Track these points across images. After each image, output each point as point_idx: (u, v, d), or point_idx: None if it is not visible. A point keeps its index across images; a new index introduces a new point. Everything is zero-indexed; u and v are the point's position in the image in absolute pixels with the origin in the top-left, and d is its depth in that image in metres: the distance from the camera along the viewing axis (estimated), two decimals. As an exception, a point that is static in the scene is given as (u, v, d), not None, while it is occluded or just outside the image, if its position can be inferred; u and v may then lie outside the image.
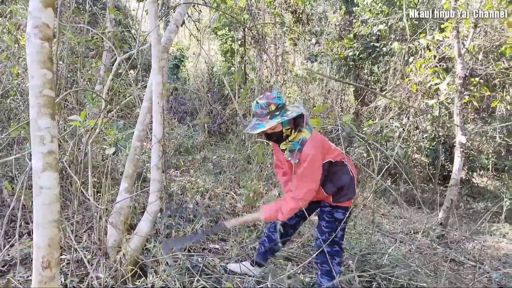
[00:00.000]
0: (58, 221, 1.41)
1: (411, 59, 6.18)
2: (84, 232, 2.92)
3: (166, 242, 2.63)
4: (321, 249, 2.41)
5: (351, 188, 2.42)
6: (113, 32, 3.50)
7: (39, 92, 1.38)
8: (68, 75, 4.23)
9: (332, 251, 2.44)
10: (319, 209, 2.57)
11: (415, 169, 9.57)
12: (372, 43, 7.72)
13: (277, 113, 2.27)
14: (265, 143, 5.22)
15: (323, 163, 2.31)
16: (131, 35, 7.84)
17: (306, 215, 2.61)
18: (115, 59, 3.24)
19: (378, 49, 7.56)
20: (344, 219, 2.43)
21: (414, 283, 3.25)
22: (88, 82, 4.05)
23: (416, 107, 4.69)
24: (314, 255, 2.47)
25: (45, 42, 1.38)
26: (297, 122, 2.34)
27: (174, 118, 7.23)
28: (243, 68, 9.55)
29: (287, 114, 2.27)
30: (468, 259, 4.64)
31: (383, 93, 7.13)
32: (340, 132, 2.80)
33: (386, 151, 5.98)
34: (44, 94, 1.38)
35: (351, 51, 8.03)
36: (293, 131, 2.33)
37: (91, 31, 3.78)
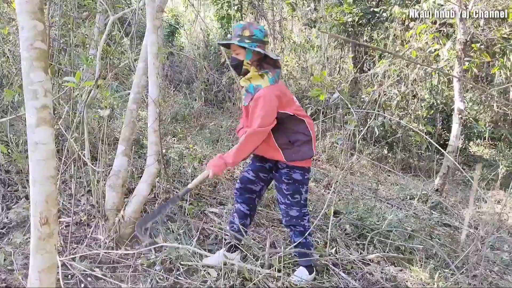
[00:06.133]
0: (55, 178, 1.38)
1: (411, 24, 6.05)
2: (82, 196, 2.92)
3: (141, 222, 2.39)
4: (288, 213, 2.43)
5: (304, 146, 2.33)
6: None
7: (30, 45, 1.32)
8: (61, 41, 4.11)
9: (301, 213, 2.43)
10: (276, 174, 2.46)
11: (412, 138, 9.56)
12: (372, 8, 7.55)
13: (247, 40, 2.22)
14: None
15: (279, 111, 2.25)
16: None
17: (267, 178, 2.53)
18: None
19: (378, 15, 7.40)
20: (304, 181, 2.39)
21: (409, 245, 3.31)
22: (81, 46, 3.94)
23: (423, 64, 4.60)
24: (290, 222, 2.46)
25: (35, -9, 1.32)
26: (261, 63, 2.28)
27: (170, 86, 7.12)
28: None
29: (255, 46, 2.22)
30: (463, 224, 4.70)
31: (382, 59, 7.05)
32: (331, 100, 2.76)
33: (384, 118, 5.95)
34: (35, 47, 1.33)
35: (350, 17, 7.86)
36: (254, 68, 2.27)
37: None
